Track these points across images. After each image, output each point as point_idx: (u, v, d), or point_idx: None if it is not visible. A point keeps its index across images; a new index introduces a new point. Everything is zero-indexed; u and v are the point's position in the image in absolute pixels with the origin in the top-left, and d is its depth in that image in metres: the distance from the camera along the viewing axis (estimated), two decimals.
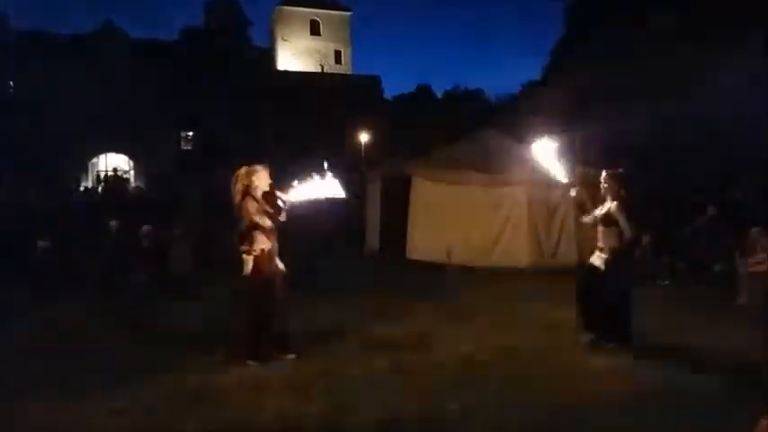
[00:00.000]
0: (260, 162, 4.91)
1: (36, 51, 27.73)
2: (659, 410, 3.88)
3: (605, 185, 5.31)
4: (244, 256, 4.72)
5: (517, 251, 9.92)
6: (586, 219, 5.42)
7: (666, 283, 8.50)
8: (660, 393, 4.17)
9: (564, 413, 3.86)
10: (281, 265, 4.87)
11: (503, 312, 6.70)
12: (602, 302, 5.22)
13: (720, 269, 8.23)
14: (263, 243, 4.69)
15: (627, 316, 5.23)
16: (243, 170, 4.81)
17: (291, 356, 4.87)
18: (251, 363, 4.71)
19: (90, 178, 30.59)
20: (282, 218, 4.79)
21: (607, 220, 5.21)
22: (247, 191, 4.73)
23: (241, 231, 4.72)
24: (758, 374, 4.50)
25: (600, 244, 5.29)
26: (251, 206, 4.67)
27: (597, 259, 5.30)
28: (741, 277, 7.42)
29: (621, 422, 3.70)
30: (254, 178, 4.76)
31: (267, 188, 4.82)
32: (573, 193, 5.45)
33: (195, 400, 4.08)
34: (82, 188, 23.22)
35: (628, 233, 5.15)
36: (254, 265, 4.68)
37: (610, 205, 5.21)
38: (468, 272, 9.19)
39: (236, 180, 4.76)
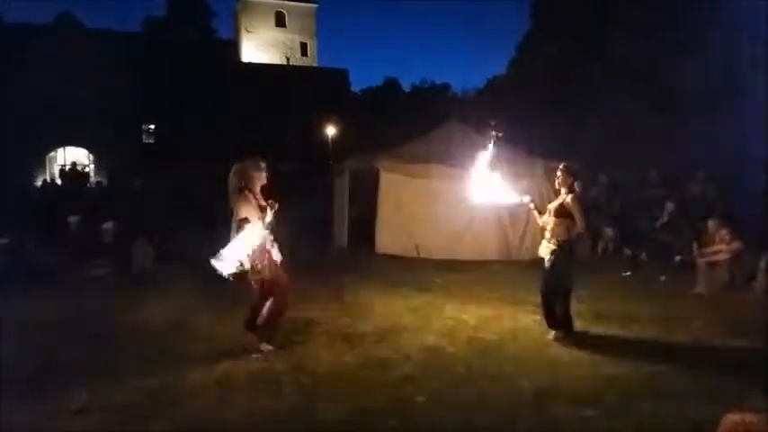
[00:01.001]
0: (256, 158, 4.94)
1: None
2: (622, 400, 3.96)
3: (559, 178, 5.40)
4: None
5: (485, 243, 10.04)
6: (542, 220, 5.46)
7: (628, 273, 8.71)
8: (623, 383, 4.27)
9: (529, 404, 3.92)
10: (277, 255, 4.86)
11: (469, 304, 6.75)
12: (547, 291, 5.35)
13: (680, 260, 8.48)
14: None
15: (567, 304, 5.34)
16: (239, 166, 4.81)
17: (268, 348, 4.89)
18: (267, 347, 4.88)
19: (48, 172, 29.61)
20: (269, 218, 4.79)
21: (560, 211, 5.27)
22: (244, 186, 4.74)
23: (236, 226, 4.70)
24: (716, 363, 4.66)
25: (547, 234, 5.36)
26: (245, 202, 4.68)
27: (543, 249, 5.37)
28: (699, 267, 7.66)
29: (587, 413, 3.76)
30: (250, 174, 4.78)
31: (263, 183, 4.87)
32: (526, 199, 5.47)
33: (161, 399, 4.00)
34: (39, 183, 22.43)
35: (581, 226, 5.25)
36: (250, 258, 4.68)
37: (565, 198, 5.29)
38: (436, 265, 9.25)
39: (233, 176, 4.77)
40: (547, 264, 5.29)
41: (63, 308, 6.66)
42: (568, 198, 5.24)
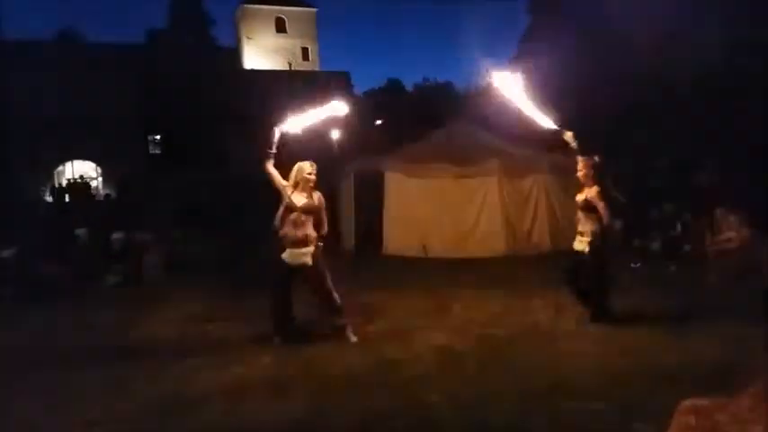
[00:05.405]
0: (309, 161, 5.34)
1: None
2: (634, 394, 3.92)
3: (582, 172, 5.39)
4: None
5: (492, 240, 10.00)
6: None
7: (638, 265, 8.64)
8: (634, 377, 4.23)
9: (542, 399, 3.90)
10: (305, 257, 5.21)
11: (479, 301, 6.73)
12: (588, 284, 5.46)
13: (690, 249, 8.41)
14: (286, 229, 5.16)
15: (607, 295, 5.47)
16: (300, 165, 5.27)
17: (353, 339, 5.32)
18: (276, 339, 5.25)
19: (56, 186, 29.83)
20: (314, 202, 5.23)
21: (587, 206, 5.34)
22: (296, 182, 5.20)
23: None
24: (730, 354, 4.59)
25: (580, 228, 5.45)
26: (290, 195, 5.14)
27: (580, 244, 5.45)
28: (710, 256, 7.58)
29: (598, 407, 3.71)
30: (304, 173, 5.20)
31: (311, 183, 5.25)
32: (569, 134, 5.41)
33: (172, 406, 3.99)
34: (48, 197, 22.63)
35: (606, 219, 5.29)
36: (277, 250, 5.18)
37: (589, 192, 5.31)
38: (444, 264, 9.22)
39: (295, 171, 5.23)
40: (586, 256, 5.38)
41: (70, 319, 6.68)
42: (592, 192, 5.31)
